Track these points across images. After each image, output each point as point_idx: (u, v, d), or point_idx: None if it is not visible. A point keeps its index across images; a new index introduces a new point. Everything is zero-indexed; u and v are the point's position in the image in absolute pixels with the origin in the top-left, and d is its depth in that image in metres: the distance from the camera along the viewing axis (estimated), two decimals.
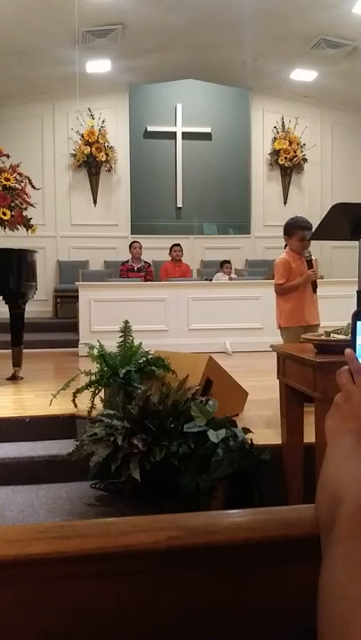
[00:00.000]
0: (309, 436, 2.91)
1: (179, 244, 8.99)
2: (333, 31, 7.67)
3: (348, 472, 0.71)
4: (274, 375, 3.19)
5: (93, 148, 9.65)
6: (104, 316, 6.93)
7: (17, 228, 5.28)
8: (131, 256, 8.86)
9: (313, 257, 4.31)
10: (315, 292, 4.28)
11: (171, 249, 8.93)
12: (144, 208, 10.14)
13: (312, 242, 4.32)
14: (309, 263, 4.25)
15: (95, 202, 9.95)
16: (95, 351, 3.82)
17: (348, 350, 0.80)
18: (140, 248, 8.82)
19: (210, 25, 7.61)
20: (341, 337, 2.67)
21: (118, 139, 9.93)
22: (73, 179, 9.88)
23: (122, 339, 3.91)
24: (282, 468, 3.16)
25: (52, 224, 9.66)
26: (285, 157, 10.25)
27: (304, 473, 3.08)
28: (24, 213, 5.24)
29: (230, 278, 8.57)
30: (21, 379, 5.42)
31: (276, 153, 10.31)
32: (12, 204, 5.15)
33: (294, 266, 4.28)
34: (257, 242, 10.40)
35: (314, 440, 2.69)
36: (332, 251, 9.59)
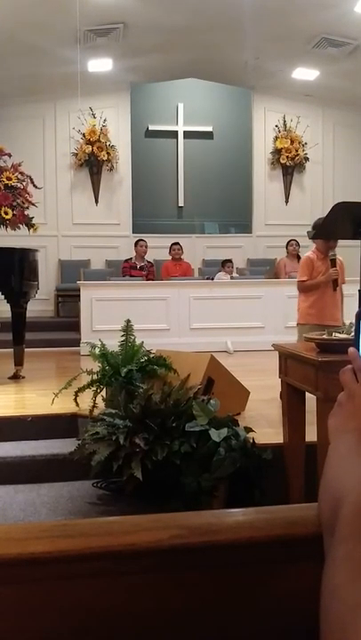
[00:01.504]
0: (311, 436, 2.91)
1: (178, 243, 8.98)
2: (335, 30, 7.66)
3: (351, 472, 0.71)
4: (275, 374, 3.19)
5: (95, 147, 9.64)
6: (105, 315, 6.93)
7: (19, 227, 5.28)
8: (135, 254, 8.86)
9: (339, 257, 4.34)
10: (334, 290, 4.31)
11: (170, 248, 8.92)
12: (145, 207, 10.13)
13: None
14: (333, 262, 4.28)
15: (97, 201, 9.94)
16: (97, 350, 3.82)
17: (351, 349, 0.80)
18: (146, 247, 8.83)
19: (211, 24, 7.61)
20: (343, 336, 2.67)
21: (120, 138, 9.93)
22: (74, 178, 9.88)
23: (123, 338, 3.91)
24: (284, 468, 3.16)
25: (53, 223, 9.66)
26: (287, 156, 10.24)
27: (306, 472, 3.08)
28: (26, 212, 5.24)
29: (232, 277, 8.57)
30: (23, 378, 5.42)
31: (277, 152, 10.29)
32: (14, 204, 5.15)
33: (318, 265, 4.32)
34: (258, 241, 10.39)
35: (316, 439, 2.69)
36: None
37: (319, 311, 4.29)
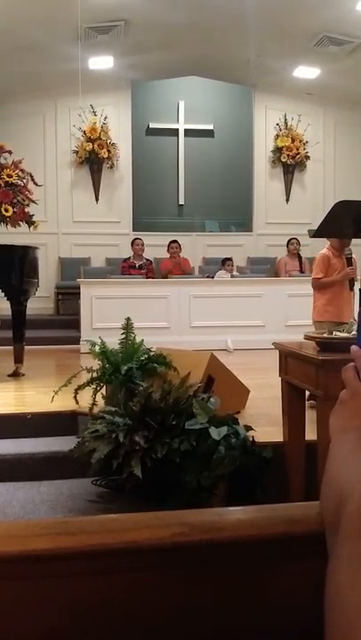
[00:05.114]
0: (311, 434, 2.91)
1: (175, 241, 8.93)
2: (337, 28, 7.65)
3: (353, 470, 0.71)
4: (275, 373, 3.19)
5: (95, 145, 9.63)
6: (106, 313, 6.93)
7: (19, 225, 5.28)
8: (133, 253, 8.85)
9: (353, 255, 4.34)
10: (351, 289, 4.32)
11: (168, 246, 8.86)
12: (146, 205, 10.12)
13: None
14: (349, 261, 4.30)
15: (97, 199, 9.93)
16: (97, 348, 3.82)
17: (354, 347, 0.79)
18: (143, 245, 8.80)
19: (213, 22, 7.60)
20: (344, 334, 2.67)
21: (120, 135, 9.92)
22: (75, 175, 9.87)
23: (123, 336, 3.91)
24: (284, 466, 3.16)
25: (53, 221, 9.65)
26: (288, 155, 10.23)
27: (306, 470, 3.08)
28: (26, 210, 5.24)
29: (232, 276, 8.56)
30: (23, 375, 5.42)
31: (278, 150, 10.28)
32: (15, 201, 5.15)
33: (334, 262, 4.32)
34: (259, 239, 10.38)
35: (316, 437, 2.69)
36: None
37: (336, 309, 4.31)
